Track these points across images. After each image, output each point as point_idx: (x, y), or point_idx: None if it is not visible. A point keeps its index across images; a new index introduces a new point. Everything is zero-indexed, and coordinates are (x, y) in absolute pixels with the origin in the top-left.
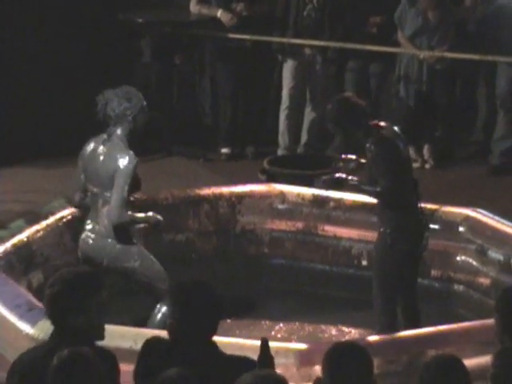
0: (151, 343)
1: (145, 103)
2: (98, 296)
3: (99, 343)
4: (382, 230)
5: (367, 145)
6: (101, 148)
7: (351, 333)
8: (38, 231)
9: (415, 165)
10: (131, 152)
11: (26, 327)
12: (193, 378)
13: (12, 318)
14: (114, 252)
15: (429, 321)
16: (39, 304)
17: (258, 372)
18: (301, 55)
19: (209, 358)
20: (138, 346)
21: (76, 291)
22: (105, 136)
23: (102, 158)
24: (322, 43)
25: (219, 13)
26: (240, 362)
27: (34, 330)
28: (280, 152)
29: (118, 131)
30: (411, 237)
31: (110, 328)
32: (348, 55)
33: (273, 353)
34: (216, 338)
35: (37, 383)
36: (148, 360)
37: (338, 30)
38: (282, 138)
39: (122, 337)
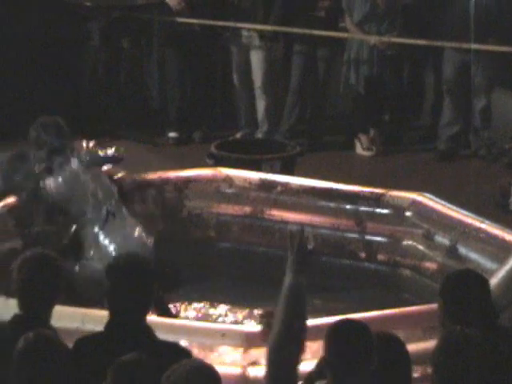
0: (81, 343)
1: None
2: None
3: None
4: None
5: None
6: None
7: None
8: None
9: (369, 153)
10: None
11: None
12: (149, 362)
13: None
14: None
15: (375, 305)
16: None
17: (190, 363)
18: (240, 37)
19: (143, 345)
20: (86, 326)
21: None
22: None
23: None
24: (268, 27)
25: None
26: (173, 349)
27: None
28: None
29: None
30: None
31: (57, 308)
32: (294, 38)
33: (220, 335)
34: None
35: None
36: (80, 361)
37: (273, 10)
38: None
39: (70, 317)
